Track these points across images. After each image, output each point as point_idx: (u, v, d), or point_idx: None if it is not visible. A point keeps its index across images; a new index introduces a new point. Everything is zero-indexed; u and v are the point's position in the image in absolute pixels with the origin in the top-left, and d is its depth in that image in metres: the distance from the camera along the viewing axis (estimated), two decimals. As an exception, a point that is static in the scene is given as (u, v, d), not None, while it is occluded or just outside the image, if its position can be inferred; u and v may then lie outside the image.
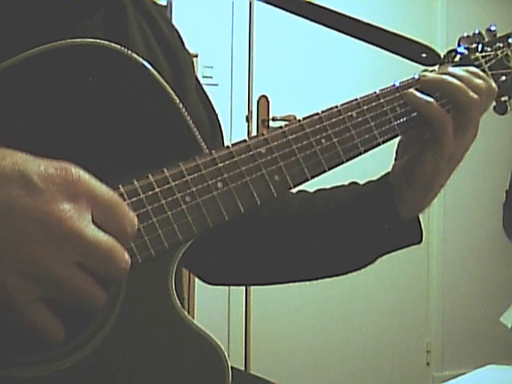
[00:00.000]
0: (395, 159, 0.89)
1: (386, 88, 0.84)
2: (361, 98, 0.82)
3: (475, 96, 0.83)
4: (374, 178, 0.92)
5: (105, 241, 0.58)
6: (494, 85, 0.87)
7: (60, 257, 0.56)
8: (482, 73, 0.87)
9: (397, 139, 0.87)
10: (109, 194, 0.60)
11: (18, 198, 0.55)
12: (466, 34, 0.93)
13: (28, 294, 0.56)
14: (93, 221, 0.58)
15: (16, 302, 0.56)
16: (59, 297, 0.57)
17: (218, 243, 0.90)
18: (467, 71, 0.86)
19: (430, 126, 0.83)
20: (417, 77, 0.86)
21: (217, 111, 1.01)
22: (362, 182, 0.93)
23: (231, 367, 0.69)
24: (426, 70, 0.89)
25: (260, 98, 2.89)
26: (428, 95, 0.84)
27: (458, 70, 0.86)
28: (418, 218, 0.90)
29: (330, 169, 0.78)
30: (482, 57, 0.91)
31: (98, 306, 0.60)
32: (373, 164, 1.49)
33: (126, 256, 0.59)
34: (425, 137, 0.85)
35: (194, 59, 1.06)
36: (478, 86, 0.84)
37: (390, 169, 0.90)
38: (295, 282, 0.97)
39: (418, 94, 0.84)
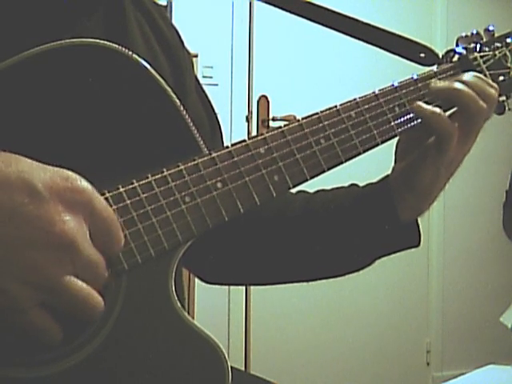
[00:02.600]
0: (395, 161, 0.89)
1: (385, 88, 0.84)
2: (360, 97, 0.82)
3: (484, 105, 0.83)
4: (374, 181, 0.91)
5: (94, 254, 0.59)
6: (497, 87, 0.87)
7: (58, 266, 0.57)
8: (486, 78, 0.87)
9: (396, 140, 0.87)
10: (107, 209, 0.61)
11: (22, 206, 0.55)
12: (464, 34, 0.92)
13: (28, 299, 0.57)
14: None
15: (17, 307, 0.56)
16: (59, 304, 0.58)
17: (218, 243, 0.90)
18: (475, 77, 0.86)
19: (437, 136, 0.83)
20: (415, 77, 0.86)
21: (216, 111, 1.01)
22: (361, 184, 0.93)
23: (231, 367, 0.69)
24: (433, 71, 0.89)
25: (260, 98, 2.89)
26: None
27: (467, 77, 0.85)
28: (417, 222, 0.90)
29: (329, 169, 0.78)
30: (481, 57, 0.91)
31: (96, 312, 0.60)
32: (372, 164, 1.49)
33: (107, 272, 0.61)
34: (426, 143, 0.85)
35: (194, 59, 1.06)
36: (486, 93, 0.84)
37: (389, 170, 0.90)
38: (293, 282, 0.98)
39: (425, 106, 0.83)
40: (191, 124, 0.71)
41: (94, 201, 0.60)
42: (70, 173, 0.59)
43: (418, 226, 0.90)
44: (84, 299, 0.58)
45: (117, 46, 0.68)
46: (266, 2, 0.94)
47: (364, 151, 0.81)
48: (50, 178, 0.57)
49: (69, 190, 0.58)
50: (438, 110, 0.83)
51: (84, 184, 0.59)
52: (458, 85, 0.84)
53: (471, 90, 0.83)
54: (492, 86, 0.85)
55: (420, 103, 0.83)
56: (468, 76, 0.85)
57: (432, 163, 0.84)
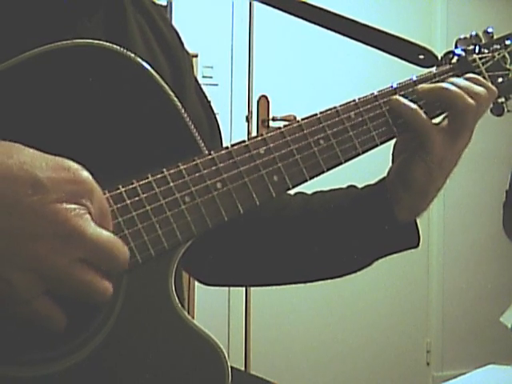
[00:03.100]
0: (391, 162, 0.90)
1: (384, 89, 0.85)
2: (359, 99, 0.82)
3: (472, 102, 0.84)
4: (372, 182, 0.92)
5: (106, 237, 0.59)
6: (494, 88, 0.87)
7: (64, 254, 0.57)
8: (481, 78, 0.87)
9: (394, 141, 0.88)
10: (103, 199, 0.62)
11: (25, 197, 0.56)
12: (463, 36, 0.93)
13: (33, 289, 0.57)
14: None
15: (21, 297, 0.57)
16: (63, 291, 0.58)
17: (217, 244, 0.90)
18: (466, 79, 0.86)
19: (414, 132, 0.84)
20: (414, 78, 0.87)
21: (215, 111, 1.01)
22: (360, 185, 0.93)
23: (231, 367, 0.69)
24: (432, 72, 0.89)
25: (260, 98, 2.89)
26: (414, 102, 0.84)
27: (457, 78, 0.86)
28: (416, 222, 0.90)
29: (328, 169, 0.78)
30: (480, 58, 0.92)
31: (105, 298, 0.60)
32: (371, 164, 1.49)
33: (126, 248, 0.61)
34: (415, 141, 0.85)
35: (194, 59, 1.06)
36: (474, 91, 0.84)
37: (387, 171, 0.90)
38: (292, 283, 0.98)
39: (403, 101, 0.84)
40: (191, 124, 0.71)
41: (94, 190, 0.60)
42: (71, 163, 0.59)
43: (417, 227, 0.90)
44: (89, 286, 0.59)
45: (117, 46, 0.68)
46: (264, 3, 0.94)
47: (363, 152, 0.81)
48: (51, 168, 0.58)
49: (71, 179, 0.58)
50: (414, 106, 0.83)
51: (85, 174, 0.60)
52: (444, 84, 0.85)
53: (458, 89, 0.84)
54: (483, 85, 0.86)
55: (399, 97, 0.84)
56: (455, 78, 0.86)
57: (421, 160, 0.84)
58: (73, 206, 0.58)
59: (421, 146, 0.84)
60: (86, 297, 0.59)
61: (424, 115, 0.84)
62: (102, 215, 0.61)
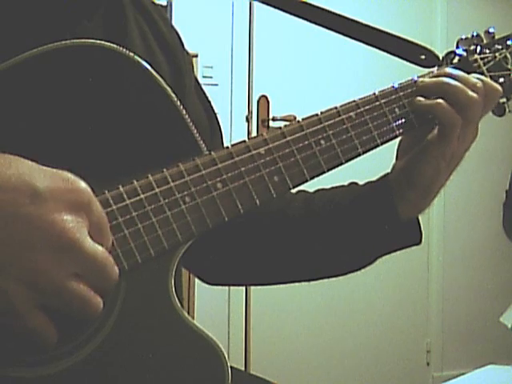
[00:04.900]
0: (396, 159, 0.90)
1: (385, 89, 0.84)
2: (360, 99, 0.82)
3: (475, 95, 0.84)
4: (374, 179, 0.92)
5: (100, 253, 0.59)
6: (497, 86, 0.87)
7: (60, 267, 0.57)
8: (480, 75, 0.87)
9: (396, 140, 0.87)
10: (102, 211, 0.61)
11: (23, 207, 0.56)
12: (464, 36, 0.93)
13: (28, 301, 0.57)
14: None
15: (16, 309, 0.56)
16: (58, 305, 0.58)
17: (218, 243, 0.90)
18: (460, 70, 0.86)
19: (441, 125, 0.83)
20: (415, 78, 0.87)
21: (216, 111, 1.01)
22: (361, 183, 0.93)
23: (231, 367, 0.69)
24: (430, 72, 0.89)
25: (260, 98, 2.89)
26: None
27: (453, 70, 0.86)
28: (418, 219, 0.90)
29: (328, 170, 0.78)
30: (481, 59, 0.92)
31: (95, 314, 0.60)
32: (372, 164, 1.49)
33: (116, 268, 0.61)
34: (428, 138, 0.85)
35: (194, 59, 1.06)
36: (475, 84, 0.84)
37: (389, 169, 0.90)
38: (294, 282, 0.98)
39: (424, 99, 0.84)
40: (191, 124, 0.71)
41: (92, 201, 0.60)
42: (69, 174, 0.59)
43: (419, 224, 0.90)
44: (82, 301, 0.58)
45: (117, 46, 0.68)
46: (264, 3, 0.94)
47: (364, 152, 0.81)
48: (50, 179, 0.58)
49: (69, 190, 0.58)
50: (439, 100, 0.83)
51: (83, 185, 0.59)
52: (444, 79, 0.85)
53: (458, 82, 0.84)
54: (485, 82, 0.86)
55: (419, 98, 0.84)
56: (451, 69, 0.86)
57: (433, 157, 0.84)
58: (70, 217, 0.57)
59: (440, 140, 0.84)
60: (79, 312, 0.59)
61: (450, 107, 0.83)
62: (99, 226, 0.60)
